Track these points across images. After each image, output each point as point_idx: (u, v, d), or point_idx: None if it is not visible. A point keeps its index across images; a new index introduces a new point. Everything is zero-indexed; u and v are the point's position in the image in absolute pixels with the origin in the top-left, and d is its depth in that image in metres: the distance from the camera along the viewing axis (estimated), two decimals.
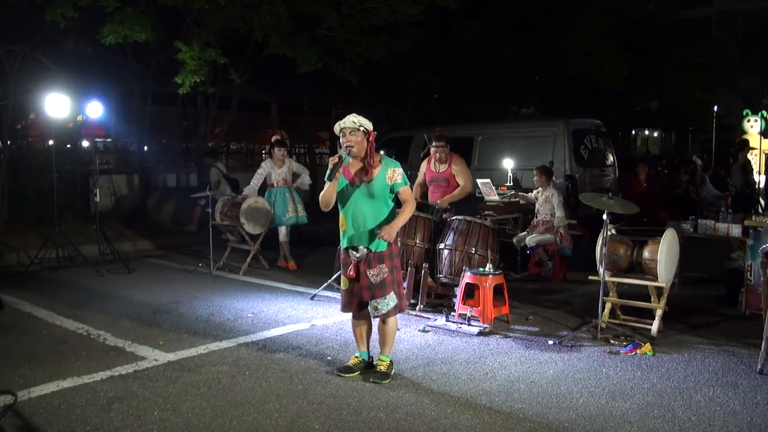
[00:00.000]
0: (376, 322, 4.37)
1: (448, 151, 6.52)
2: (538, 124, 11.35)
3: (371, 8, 9.88)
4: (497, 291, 5.61)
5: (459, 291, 5.69)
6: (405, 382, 4.22)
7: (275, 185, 7.99)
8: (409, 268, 6.04)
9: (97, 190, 8.67)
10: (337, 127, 4.14)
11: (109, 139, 15.43)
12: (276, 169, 7.99)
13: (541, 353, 4.81)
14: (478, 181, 8.46)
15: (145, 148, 12.91)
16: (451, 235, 6.05)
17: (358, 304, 4.26)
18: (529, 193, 7.90)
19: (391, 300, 4.16)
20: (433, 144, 6.49)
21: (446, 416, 3.68)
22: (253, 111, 18.41)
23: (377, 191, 4.13)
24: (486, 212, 7.81)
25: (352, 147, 4.07)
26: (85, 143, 12.19)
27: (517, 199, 8.21)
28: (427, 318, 5.71)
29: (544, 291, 6.94)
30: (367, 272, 4.13)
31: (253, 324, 5.58)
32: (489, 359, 4.67)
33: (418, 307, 5.94)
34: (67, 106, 7.79)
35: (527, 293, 6.74)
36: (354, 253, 4.11)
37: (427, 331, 5.35)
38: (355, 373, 4.30)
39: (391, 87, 14.87)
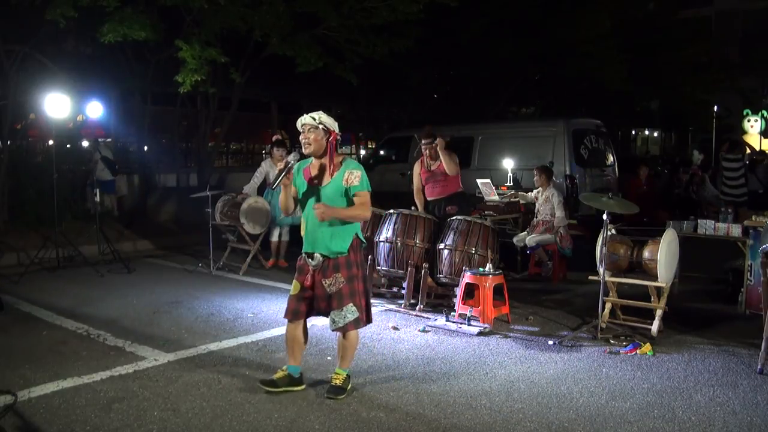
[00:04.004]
0: (334, 335, 4.13)
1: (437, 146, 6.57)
2: (538, 124, 11.35)
3: (371, 7, 9.89)
4: (497, 291, 5.62)
5: (459, 291, 5.69)
6: (405, 382, 4.22)
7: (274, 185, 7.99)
8: (409, 268, 6.05)
9: (97, 190, 8.66)
10: (298, 123, 3.88)
11: (109, 139, 15.43)
12: (275, 169, 7.98)
13: (541, 353, 4.81)
14: (478, 181, 8.47)
15: (145, 148, 12.92)
16: (451, 235, 6.05)
17: (306, 311, 3.99)
18: (529, 193, 7.90)
19: (349, 312, 3.84)
20: (422, 142, 6.57)
21: (446, 416, 3.68)
22: (253, 111, 18.43)
23: (332, 194, 3.84)
24: (486, 212, 7.81)
25: (309, 145, 3.82)
26: (85, 143, 12.20)
27: (517, 199, 8.21)
28: (427, 318, 5.71)
29: (544, 291, 6.94)
30: (323, 281, 3.87)
31: (253, 324, 5.58)
32: (489, 359, 4.67)
33: (418, 307, 5.95)
34: (67, 106, 7.79)
35: (527, 293, 6.73)
36: (310, 261, 3.89)
37: (427, 331, 5.35)
38: (280, 389, 3.95)
39: (391, 87, 14.87)
